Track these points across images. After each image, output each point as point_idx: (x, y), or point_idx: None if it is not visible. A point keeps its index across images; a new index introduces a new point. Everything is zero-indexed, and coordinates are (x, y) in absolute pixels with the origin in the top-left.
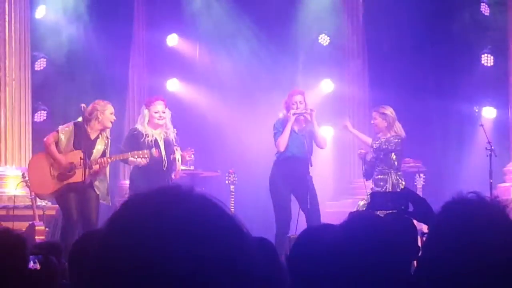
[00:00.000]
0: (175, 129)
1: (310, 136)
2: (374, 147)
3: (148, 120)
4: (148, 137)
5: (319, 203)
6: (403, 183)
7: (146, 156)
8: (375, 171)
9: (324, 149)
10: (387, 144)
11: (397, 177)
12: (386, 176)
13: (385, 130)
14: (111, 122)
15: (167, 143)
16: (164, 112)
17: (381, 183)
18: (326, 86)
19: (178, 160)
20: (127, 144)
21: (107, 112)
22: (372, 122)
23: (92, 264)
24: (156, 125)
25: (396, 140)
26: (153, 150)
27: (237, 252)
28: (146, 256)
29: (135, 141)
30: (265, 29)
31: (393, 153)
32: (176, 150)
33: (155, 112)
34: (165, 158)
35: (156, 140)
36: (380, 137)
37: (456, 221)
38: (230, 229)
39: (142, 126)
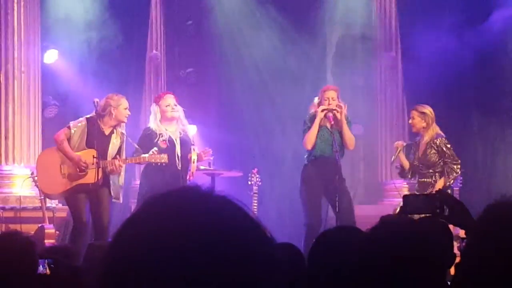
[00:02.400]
0: (195, 125)
1: (340, 134)
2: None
3: (161, 116)
4: (162, 136)
5: (353, 205)
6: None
7: (164, 160)
8: (418, 174)
9: (351, 149)
10: (442, 154)
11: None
12: (431, 179)
13: (422, 130)
14: (126, 117)
15: (183, 142)
16: (176, 105)
17: (424, 188)
18: (355, 80)
19: (194, 162)
20: (141, 145)
21: (121, 107)
22: (409, 121)
23: (105, 269)
24: (170, 119)
25: (446, 145)
26: (160, 142)
27: (259, 258)
28: (162, 260)
29: (149, 141)
30: (290, 20)
31: (436, 154)
32: (193, 150)
33: (166, 106)
34: (180, 158)
35: (171, 139)
36: (419, 142)
37: (499, 225)
38: (252, 233)
39: (155, 125)
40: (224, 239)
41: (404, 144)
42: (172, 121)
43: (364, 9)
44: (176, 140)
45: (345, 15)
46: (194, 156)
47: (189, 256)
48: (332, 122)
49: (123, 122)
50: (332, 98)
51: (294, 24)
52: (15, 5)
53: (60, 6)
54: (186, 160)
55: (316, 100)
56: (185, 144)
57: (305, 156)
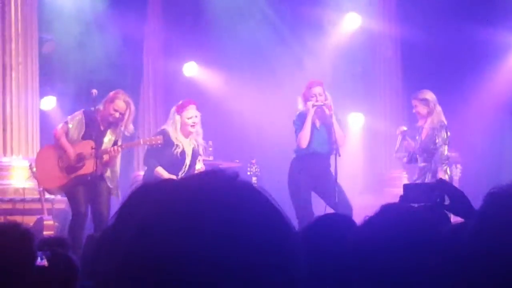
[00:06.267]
0: (210, 142)
1: (330, 130)
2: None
3: (180, 128)
4: (178, 148)
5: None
6: (448, 172)
7: (159, 142)
8: (420, 159)
9: (343, 146)
10: (436, 141)
11: (440, 165)
12: (428, 164)
13: (426, 115)
14: (111, 115)
15: (194, 154)
16: (196, 117)
17: (423, 172)
18: (355, 71)
19: None
20: (156, 149)
21: (111, 105)
22: (413, 111)
23: (127, 254)
24: (188, 132)
25: (443, 132)
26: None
27: (283, 244)
28: (186, 245)
29: (165, 147)
30: (289, 9)
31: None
32: (199, 161)
33: (188, 118)
34: (187, 168)
35: (183, 151)
36: (422, 126)
37: (501, 214)
38: (277, 220)
39: (174, 133)
40: (248, 224)
41: (406, 128)
42: (189, 134)
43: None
44: (188, 153)
45: (345, 5)
46: (198, 166)
47: (214, 240)
48: (329, 113)
49: (108, 120)
50: (319, 93)
51: (293, 15)
52: None
53: None
54: (192, 170)
55: (299, 104)
56: (195, 155)
57: (294, 152)
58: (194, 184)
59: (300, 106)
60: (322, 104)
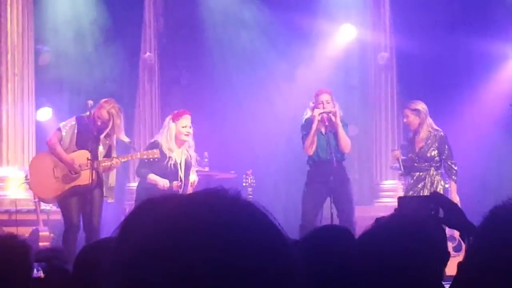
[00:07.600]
0: (206, 153)
1: (336, 137)
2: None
3: (174, 136)
4: (171, 160)
5: (353, 209)
6: (442, 183)
7: (156, 156)
8: (412, 168)
9: (347, 152)
10: (436, 147)
11: (437, 176)
12: (424, 173)
13: (417, 127)
14: (101, 118)
15: (187, 165)
16: (191, 127)
17: (418, 182)
18: (350, 81)
19: (191, 185)
20: (146, 162)
21: (97, 111)
22: (404, 120)
23: (130, 274)
24: (181, 141)
25: (446, 142)
26: (174, 183)
27: (283, 268)
28: (189, 263)
29: (158, 161)
30: (283, 20)
31: (436, 149)
32: (192, 172)
33: (183, 127)
34: (183, 181)
35: (175, 163)
36: (414, 138)
37: (505, 230)
38: (277, 241)
39: (166, 143)
40: (251, 245)
41: (399, 149)
42: (182, 143)
43: (358, 8)
44: (180, 164)
45: (339, 15)
46: (192, 178)
47: (216, 259)
48: (327, 123)
49: (96, 125)
50: (326, 101)
51: (287, 24)
52: (8, 7)
53: (53, 9)
54: (186, 183)
55: (311, 104)
56: (187, 168)
57: (307, 161)
58: (198, 202)
59: (309, 114)
60: (329, 111)
